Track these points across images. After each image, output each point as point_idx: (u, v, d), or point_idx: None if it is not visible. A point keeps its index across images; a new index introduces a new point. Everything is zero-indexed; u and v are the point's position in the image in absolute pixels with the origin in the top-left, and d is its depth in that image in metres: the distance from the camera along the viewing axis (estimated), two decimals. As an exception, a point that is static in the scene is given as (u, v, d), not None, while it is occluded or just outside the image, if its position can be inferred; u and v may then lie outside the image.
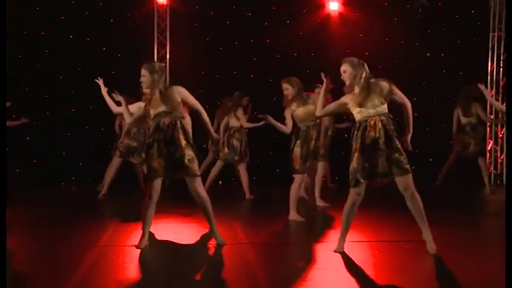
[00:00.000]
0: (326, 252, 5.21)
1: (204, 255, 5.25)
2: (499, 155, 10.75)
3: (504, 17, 10.47)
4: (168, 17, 10.11)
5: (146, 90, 5.18)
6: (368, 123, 4.88)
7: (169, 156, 5.03)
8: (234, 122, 8.59)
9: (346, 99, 5.08)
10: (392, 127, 4.89)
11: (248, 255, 5.11)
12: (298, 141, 6.66)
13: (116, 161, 8.37)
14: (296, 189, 6.74)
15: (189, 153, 5.05)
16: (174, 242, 5.52)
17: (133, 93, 6.08)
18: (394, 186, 5.00)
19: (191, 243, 5.38)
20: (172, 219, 6.70)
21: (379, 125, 4.86)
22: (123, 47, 9.81)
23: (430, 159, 10.38)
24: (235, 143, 8.50)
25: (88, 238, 5.65)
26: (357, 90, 5.00)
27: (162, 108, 5.06)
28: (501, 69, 10.65)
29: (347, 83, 5.07)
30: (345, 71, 5.07)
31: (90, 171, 9.63)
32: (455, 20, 10.54)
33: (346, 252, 5.08)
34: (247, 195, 8.52)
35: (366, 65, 5.09)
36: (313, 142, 6.70)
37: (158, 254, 5.17)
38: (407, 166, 4.85)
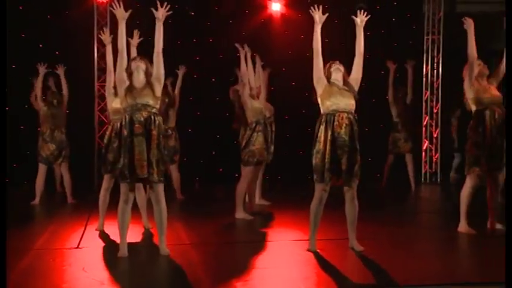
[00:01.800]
0: (268, 251, 5.20)
1: (146, 256, 5.13)
2: (433, 154, 11.04)
3: (437, 20, 10.76)
4: (109, 15, 9.83)
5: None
6: (336, 118, 4.83)
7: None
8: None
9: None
10: (356, 128, 4.90)
11: (190, 256, 5.03)
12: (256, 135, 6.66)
13: (41, 168, 7.96)
14: (243, 186, 6.68)
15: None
16: (114, 243, 5.36)
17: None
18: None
19: (133, 244, 5.23)
20: (114, 220, 6.53)
21: (346, 121, 4.84)
22: (61, 44, 9.48)
23: (370, 159, 10.54)
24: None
25: (23, 241, 5.42)
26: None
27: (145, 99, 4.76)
28: (435, 71, 10.94)
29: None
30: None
31: (25, 173, 9.20)
32: (392, 23, 10.76)
33: (290, 249, 5.06)
34: (178, 196, 8.40)
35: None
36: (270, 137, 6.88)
37: (97, 256, 5.01)
38: (358, 171, 4.90)
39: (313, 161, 4.87)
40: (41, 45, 9.56)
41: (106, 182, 5.91)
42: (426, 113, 10.99)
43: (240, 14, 10.29)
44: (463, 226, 5.83)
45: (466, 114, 6.08)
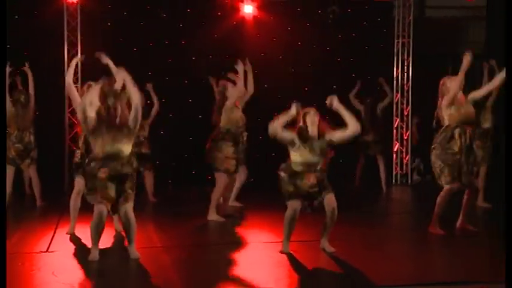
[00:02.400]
0: (241, 253, 5.18)
1: (117, 259, 5.06)
2: (404, 156, 11.15)
3: (407, 24, 10.89)
4: (79, 16, 9.69)
5: None
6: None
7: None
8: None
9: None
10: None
11: (162, 259, 4.98)
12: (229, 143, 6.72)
13: (8, 170, 7.60)
14: (218, 191, 6.70)
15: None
16: (85, 247, 5.27)
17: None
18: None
19: (104, 248, 5.15)
20: (85, 223, 6.43)
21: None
22: (30, 45, 9.30)
23: (341, 160, 10.61)
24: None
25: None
26: None
27: None
28: (405, 74, 11.06)
29: None
30: None
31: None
32: (363, 27, 10.85)
33: (263, 251, 5.05)
34: (151, 198, 8.32)
35: None
36: (240, 146, 6.84)
37: (68, 260, 4.92)
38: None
39: (282, 183, 5.07)
40: (8, 46, 9.35)
41: (77, 185, 5.81)
42: (397, 116, 11.09)
43: (212, 17, 10.24)
44: (433, 226, 5.90)
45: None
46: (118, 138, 4.71)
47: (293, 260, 4.83)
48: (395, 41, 10.95)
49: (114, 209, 4.83)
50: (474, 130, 5.95)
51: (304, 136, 4.98)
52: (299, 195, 5.00)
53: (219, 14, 10.29)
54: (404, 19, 10.91)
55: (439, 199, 5.91)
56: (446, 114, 5.83)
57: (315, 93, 10.90)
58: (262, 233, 6.11)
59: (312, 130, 5.04)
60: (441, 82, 5.99)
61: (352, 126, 5.02)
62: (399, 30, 10.93)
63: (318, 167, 5.03)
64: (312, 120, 5.07)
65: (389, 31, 10.98)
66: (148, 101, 8.44)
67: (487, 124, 7.80)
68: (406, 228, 6.75)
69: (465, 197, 6.06)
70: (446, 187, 5.83)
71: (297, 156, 4.99)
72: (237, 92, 6.79)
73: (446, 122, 5.85)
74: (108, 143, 4.69)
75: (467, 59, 5.73)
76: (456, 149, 5.73)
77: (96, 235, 4.81)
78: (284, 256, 4.94)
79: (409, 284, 4.14)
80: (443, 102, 5.85)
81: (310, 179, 4.98)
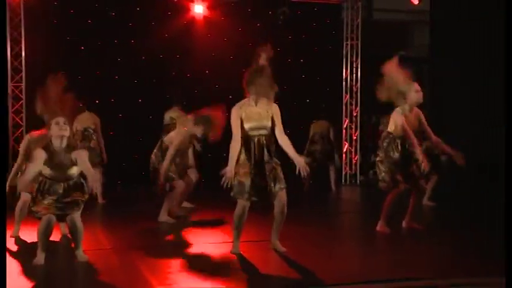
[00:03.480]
0: (191, 254, 5.14)
1: (63, 263, 4.94)
2: (353, 156, 11.32)
3: (356, 27, 11.06)
4: (23, 13, 9.40)
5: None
6: (256, 139, 4.94)
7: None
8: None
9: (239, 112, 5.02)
10: (273, 147, 5.00)
11: (111, 260, 4.88)
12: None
13: None
14: (175, 195, 6.71)
15: None
16: (30, 250, 5.11)
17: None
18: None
19: (50, 251, 5.01)
20: (30, 225, 6.24)
21: (264, 141, 4.95)
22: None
23: (291, 162, 10.66)
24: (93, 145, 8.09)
25: None
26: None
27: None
28: (354, 75, 11.23)
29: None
30: None
31: None
32: (313, 28, 10.96)
33: (213, 252, 5.02)
34: (100, 200, 8.18)
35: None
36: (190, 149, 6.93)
37: (11, 264, 4.76)
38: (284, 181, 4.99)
39: (235, 180, 4.89)
40: None
41: (23, 196, 5.62)
42: (346, 116, 11.26)
43: (162, 16, 10.14)
44: (381, 225, 6.00)
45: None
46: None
47: (243, 260, 4.82)
48: (344, 43, 11.12)
49: (61, 218, 4.72)
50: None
51: None
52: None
53: (169, 13, 10.21)
54: (353, 21, 11.10)
55: (386, 200, 5.98)
56: (394, 122, 5.87)
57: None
58: (213, 233, 6.08)
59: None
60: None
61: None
62: (348, 33, 11.11)
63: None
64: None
65: (338, 33, 11.14)
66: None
67: None
68: (355, 228, 6.85)
69: (411, 197, 6.17)
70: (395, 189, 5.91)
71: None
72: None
73: (392, 128, 5.89)
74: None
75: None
76: (398, 152, 5.81)
77: (44, 240, 4.66)
78: (234, 256, 4.93)
79: (357, 281, 4.19)
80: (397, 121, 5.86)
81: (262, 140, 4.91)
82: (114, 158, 9.51)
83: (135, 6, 10.10)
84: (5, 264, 3.57)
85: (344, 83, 11.18)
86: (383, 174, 5.91)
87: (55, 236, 5.66)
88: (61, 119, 4.65)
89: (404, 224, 6.19)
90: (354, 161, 11.30)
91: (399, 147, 5.83)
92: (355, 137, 11.31)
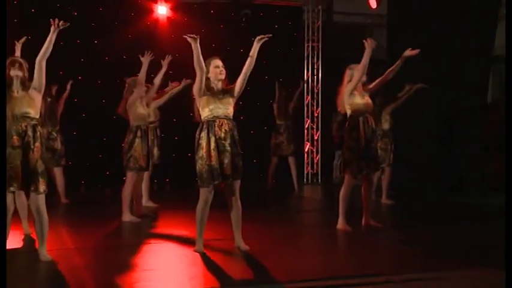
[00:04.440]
0: (155, 253, 5.13)
1: (25, 262, 4.86)
2: (315, 155, 11.44)
3: (316, 29, 11.18)
4: None
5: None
6: (216, 124, 4.83)
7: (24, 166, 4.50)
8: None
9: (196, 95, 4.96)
10: (236, 132, 4.91)
11: (75, 260, 4.83)
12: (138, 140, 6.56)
13: None
14: (128, 190, 6.56)
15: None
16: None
17: None
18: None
19: (12, 251, 4.93)
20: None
21: (226, 127, 4.84)
22: None
23: (255, 160, 10.75)
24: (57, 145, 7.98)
25: None
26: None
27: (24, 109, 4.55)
28: (315, 77, 11.35)
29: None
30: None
31: None
32: (275, 30, 11.01)
33: (177, 251, 5.02)
34: (63, 199, 8.07)
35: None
36: (151, 142, 6.80)
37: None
38: (241, 172, 4.91)
39: (197, 167, 4.86)
40: None
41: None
42: (308, 117, 11.37)
43: (125, 17, 10.07)
44: (341, 223, 6.06)
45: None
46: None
47: (207, 259, 4.84)
48: (306, 44, 11.23)
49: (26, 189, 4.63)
50: (375, 120, 6.07)
51: None
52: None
53: (133, 14, 10.14)
54: (314, 24, 11.23)
55: (341, 194, 6.00)
56: (349, 103, 5.89)
57: (229, 94, 10.87)
58: (177, 232, 6.06)
59: None
60: (347, 68, 6.07)
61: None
62: (309, 35, 11.23)
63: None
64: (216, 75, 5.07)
65: (299, 35, 11.25)
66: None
67: (386, 126, 8.10)
68: (317, 225, 6.93)
69: (363, 193, 6.19)
70: (348, 181, 5.93)
71: None
72: (139, 87, 6.65)
73: (349, 112, 5.92)
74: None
75: (369, 45, 5.84)
76: (358, 137, 5.80)
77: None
78: (198, 255, 4.94)
79: (319, 277, 4.25)
80: (347, 88, 5.91)
81: (224, 126, 4.84)
82: (78, 158, 9.41)
83: (97, 6, 10.00)
84: (5, 263, 3.46)
85: (305, 84, 11.28)
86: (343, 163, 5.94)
87: (18, 236, 5.59)
88: None
89: (363, 222, 6.26)
90: (315, 161, 11.42)
91: (361, 127, 5.82)
92: (316, 137, 11.43)
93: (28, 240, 5.57)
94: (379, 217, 6.61)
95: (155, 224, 6.63)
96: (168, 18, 10.25)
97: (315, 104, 11.36)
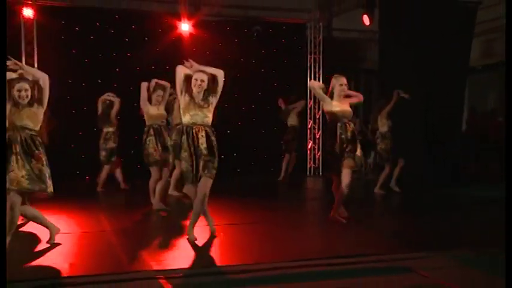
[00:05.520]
0: (181, 234, 5.16)
1: (70, 241, 4.93)
2: (316, 152, 11.47)
3: (318, 43, 11.19)
4: (35, 30, 9.35)
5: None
6: (194, 130, 4.64)
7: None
8: None
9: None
10: (214, 137, 4.69)
11: (111, 240, 4.90)
12: (151, 138, 6.45)
13: None
14: (151, 183, 6.52)
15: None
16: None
17: None
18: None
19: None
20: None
21: (203, 133, 4.64)
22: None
23: (265, 156, 10.85)
24: None
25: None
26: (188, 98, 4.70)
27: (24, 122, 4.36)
28: (317, 84, 11.33)
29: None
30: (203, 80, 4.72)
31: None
32: (282, 44, 11.07)
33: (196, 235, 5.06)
34: (123, 186, 8.30)
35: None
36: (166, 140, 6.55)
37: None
38: (213, 172, 4.66)
39: (182, 166, 4.74)
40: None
41: None
42: (310, 118, 11.39)
43: (154, 33, 10.15)
44: (335, 214, 5.67)
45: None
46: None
47: (226, 239, 4.83)
48: (308, 56, 11.25)
49: None
50: (355, 125, 5.70)
51: None
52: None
53: (160, 30, 10.21)
54: (315, 39, 11.23)
55: (335, 190, 5.70)
56: (327, 110, 5.59)
57: (243, 98, 11.02)
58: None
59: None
60: (333, 77, 5.80)
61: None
62: (311, 48, 11.24)
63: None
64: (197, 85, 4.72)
65: (303, 48, 11.26)
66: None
67: (384, 128, 7.99)
68: (316, 212, 6.93)
69: (333, 187, 5.82)
70: (333, 180, 5.64)
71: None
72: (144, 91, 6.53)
73: (328, 119, 5.64)
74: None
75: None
76: (335, 142, 5.50)
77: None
78: (217, 237, 4.90)
79: (319, 257, 4.25)
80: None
81: (200, 132, 4.63)
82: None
83: (130, 24, 10.09)
84: (5, 263, 3.24)
85: (308, 90, 11.28)
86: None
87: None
88: None
89: (331, 213, 5.75)
90: (317, 156, 11.45)
91: (338, 132, 5.52)
92: (317, 136, 11.45)
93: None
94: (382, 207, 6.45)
95: (183, 211, 6.61)
96: (190, 34, 10.32)
97: (316, 107, 11.37)
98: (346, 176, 5.48)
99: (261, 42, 10.81)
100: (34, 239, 4.86)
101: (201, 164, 4.62)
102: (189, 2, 10.51)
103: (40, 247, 4.59)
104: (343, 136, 5.49)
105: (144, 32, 10.10)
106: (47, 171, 4.40)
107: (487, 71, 11.59)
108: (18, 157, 4.29)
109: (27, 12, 9.24)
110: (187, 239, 4.78)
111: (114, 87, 9.68)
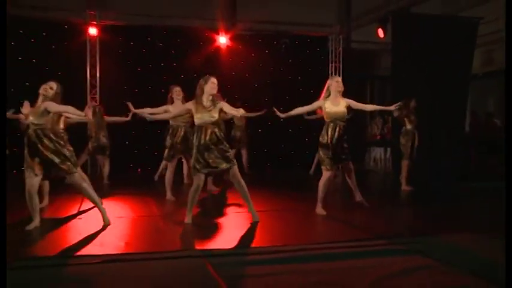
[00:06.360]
0: (210, 215, 5.16)
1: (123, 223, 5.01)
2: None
3: (338, 53, 11.07)
4: (98, 45, 9.67)
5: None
6: (204, 128, 4.70)
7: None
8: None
9: (190, 105, 4.87)
10: (222, 133, 4.75)
11: (159, 224, 4.95)
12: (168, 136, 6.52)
13: None
14: (167, 174, 6.38)
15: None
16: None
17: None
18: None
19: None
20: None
21: (209, 131, 4.68)
22: (63, 67, 9.21)
23: (292, 152, 10.85)
24: None
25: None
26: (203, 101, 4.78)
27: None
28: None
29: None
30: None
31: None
32: (307, 54, 11.03)
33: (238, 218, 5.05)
34: (106, 181, 7.86)
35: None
36: (179, 139, 6.39)
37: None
38: (233, 160, 4.72)
39: (192, 159, 4.75)
40: (47, 68, 9.28)
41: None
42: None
43: (196, 45, 10.31)
44: (318, 208, 5.42)
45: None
46: None
47: (252, 225, 4.75)
48: (330, 65, 11.16)
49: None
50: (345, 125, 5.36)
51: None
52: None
53: (201, 43, 10.33)
54: (336, 49, 11.14)
55: (319, 184, 5.38)
56: (323, 110, 5.42)
57: (273, 102, 10.99)
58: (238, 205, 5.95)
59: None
60: (329, 78, 5.64)
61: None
62: (332, 57, 11.15)
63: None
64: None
65: (325, 58, 11.18)
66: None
67: (409, 126, 7.40)
68: (338, 201, 6.75)
69: (347, 179, 5.64)
70: (324, 174, 5.34)
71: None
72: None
73: (325, 118, 5.41)
74: None
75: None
76: (327, 141, 5.28)
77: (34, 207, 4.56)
78: (247, 222, 4.83)
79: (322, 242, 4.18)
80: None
81: (208, 130, 4.67)
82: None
83: (176, 38, 10.28)
84: (5, 260, 3.03)
85: (329, 94, 11.19)
86: (321, 160, 5.39)
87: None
88: None
89: (356, 199, 5.66)
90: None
91: (329, 132, 5.31)
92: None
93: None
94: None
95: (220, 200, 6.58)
96: (227, 46, 10.40)
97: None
98: (351, 165, 5.45)
99: (288, 53, 10.81)
100: (97, 223, 4.97)
101: (212, 157, 4.64)
102: (226, 19, 10.61)
103: (100, 229, 4.69)
104: (333, 135, 5.28)
105: (187, 45, 10.27)
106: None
107: (487, 77, 11.35)
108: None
109: (92, 31, 9.61)
110: (185, 221, 4.77)
111: (162, 93, 9.84)
